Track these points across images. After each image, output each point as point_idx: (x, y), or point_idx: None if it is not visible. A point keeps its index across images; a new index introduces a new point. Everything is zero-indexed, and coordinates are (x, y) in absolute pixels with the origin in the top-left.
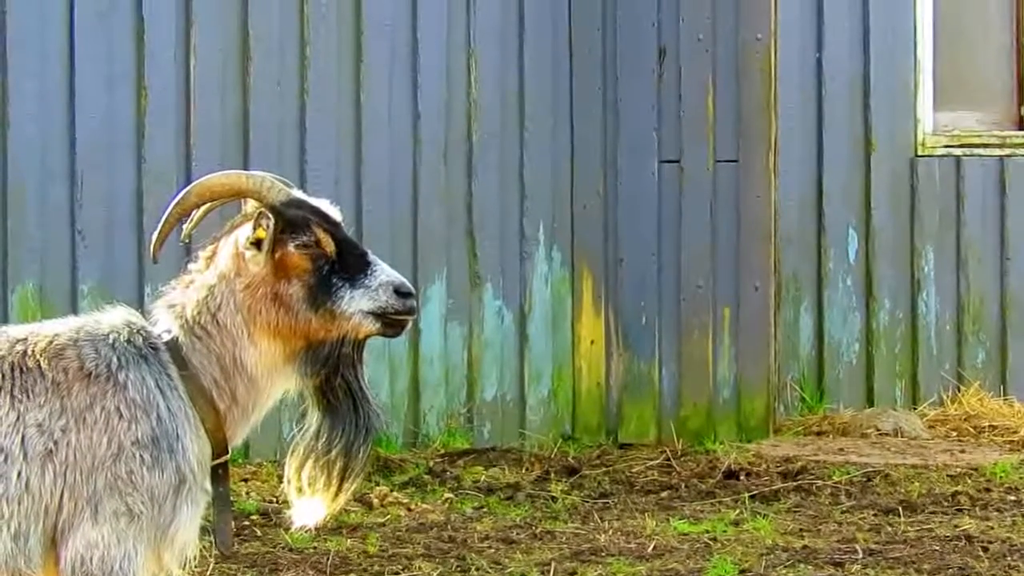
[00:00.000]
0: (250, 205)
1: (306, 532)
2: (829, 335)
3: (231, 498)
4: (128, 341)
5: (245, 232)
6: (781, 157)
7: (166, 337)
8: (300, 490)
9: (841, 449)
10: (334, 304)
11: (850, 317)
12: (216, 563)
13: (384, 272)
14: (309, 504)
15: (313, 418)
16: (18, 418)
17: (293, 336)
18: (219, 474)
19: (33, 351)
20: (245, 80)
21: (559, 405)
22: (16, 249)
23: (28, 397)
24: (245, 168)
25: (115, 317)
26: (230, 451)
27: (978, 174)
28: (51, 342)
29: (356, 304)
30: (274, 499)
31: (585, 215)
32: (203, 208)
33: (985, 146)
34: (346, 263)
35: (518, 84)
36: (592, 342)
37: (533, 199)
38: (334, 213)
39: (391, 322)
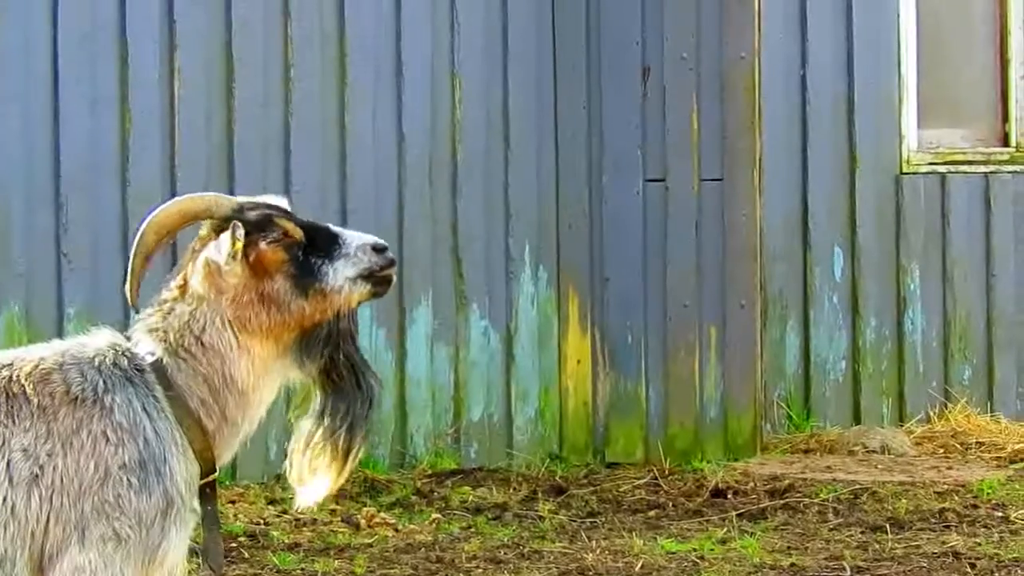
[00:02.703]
0: (204, 227)
1: (294, 553)
2: (815, 353)
3: (219, 518)
4: (114, 363)
5: (212, 252)
6: (766, 175)
7: (150, 359)
8: (304, 472)
9: (828, 467)
10: (321, 282)
11: (836, 335)
12: None
13: (355, 237)
14: (313, 483)
15: (317, 400)
16: (3, 443)
17: (287, 330)
18: (207, 493)
19: (18, 376)
20: (229, 102)
21: (546, 425)
22: (1, 273)
23: (14, 422)
24: (231, 190)
25: (100, 340)
26: (218, 470)
27: (963, 191)
28: (36, 367)
29: (342, 274)
30: (261, 521)
31: (570, 234)
32: (163, 243)
33: (970, 163)
34: (316, 242)
35: (502, 104)
36: (578, 361)
37: (518, 219)
38: (284, 203)
39: (378, 280)
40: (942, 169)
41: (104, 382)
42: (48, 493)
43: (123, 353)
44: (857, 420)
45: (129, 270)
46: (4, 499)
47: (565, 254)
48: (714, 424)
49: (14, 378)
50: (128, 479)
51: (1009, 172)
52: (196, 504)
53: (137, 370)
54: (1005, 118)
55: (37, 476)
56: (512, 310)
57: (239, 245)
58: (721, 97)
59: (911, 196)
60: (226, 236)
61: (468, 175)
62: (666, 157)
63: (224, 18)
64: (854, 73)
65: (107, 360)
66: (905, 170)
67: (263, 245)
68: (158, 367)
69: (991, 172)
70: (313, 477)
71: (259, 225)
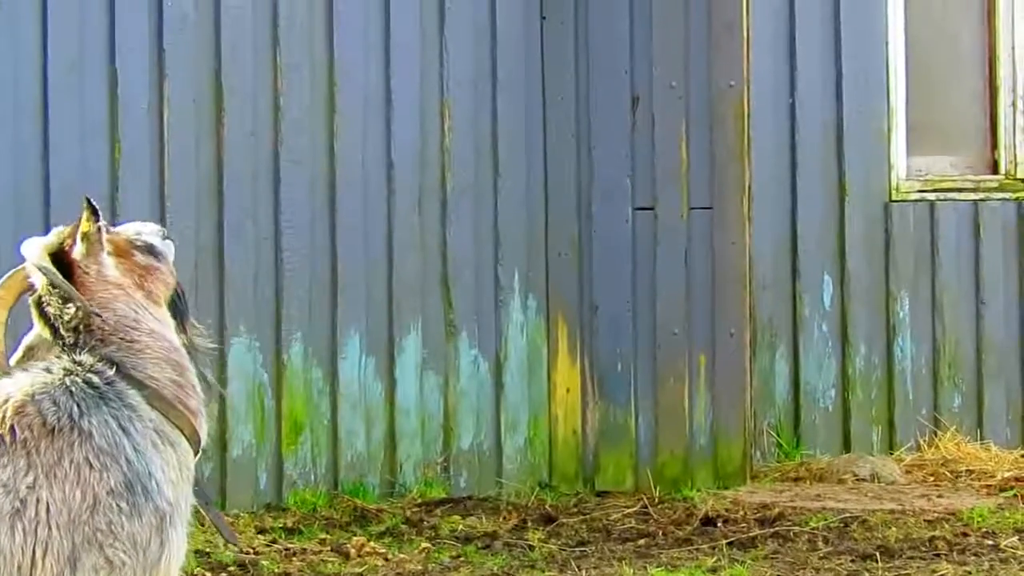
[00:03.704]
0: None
1: None
2: (805, 381)
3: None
4: (86, 383)
5: (96, 258)
6: (755, 203)
7: (112, 370)
8: None
9: (818, 495)
10: (153, 240)
11: (826, 363)
12: None
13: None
14: None
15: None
16: None
17: (168, 293)
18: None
19: None
20: (219, 131)
21: (536, 453)
22: None
23: None
24: (221, 219)
25: (65, 362)
26: (202, 447)
27: (952, 219)
28: (10, 398)
29: (151, 232)
30: (251, 550)
31: (560, 263)
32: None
33: (959, 190)
34: None
35: (491, 133)
36: (568, 390)
37: (508, 247)
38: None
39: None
40: (931, 197)
41: (78, 406)
42: (32, 526)
43: (90, 370)
44: (847, 448)
45: None
46: None
47: (554, 282)
48: (704, 452)
49: None
50: (118, 504)
51: (998, 199)
52: (192, 494)
53: (108, 383)
54: (994, 145)
55: (19, 510)
56: (502, 339)
57: (89, 226)
58: (710, 125)
59: (900, 224)
60: (81, 239)
61: (457, 204)
62: (655, 185)
63: (213, 47)
64: (843, 101)
65: (78, 381)
66: (894, 198)
67: (107, 235)
68: (125, 373)
69: (980, 199)
70: None
71: (84, 233)
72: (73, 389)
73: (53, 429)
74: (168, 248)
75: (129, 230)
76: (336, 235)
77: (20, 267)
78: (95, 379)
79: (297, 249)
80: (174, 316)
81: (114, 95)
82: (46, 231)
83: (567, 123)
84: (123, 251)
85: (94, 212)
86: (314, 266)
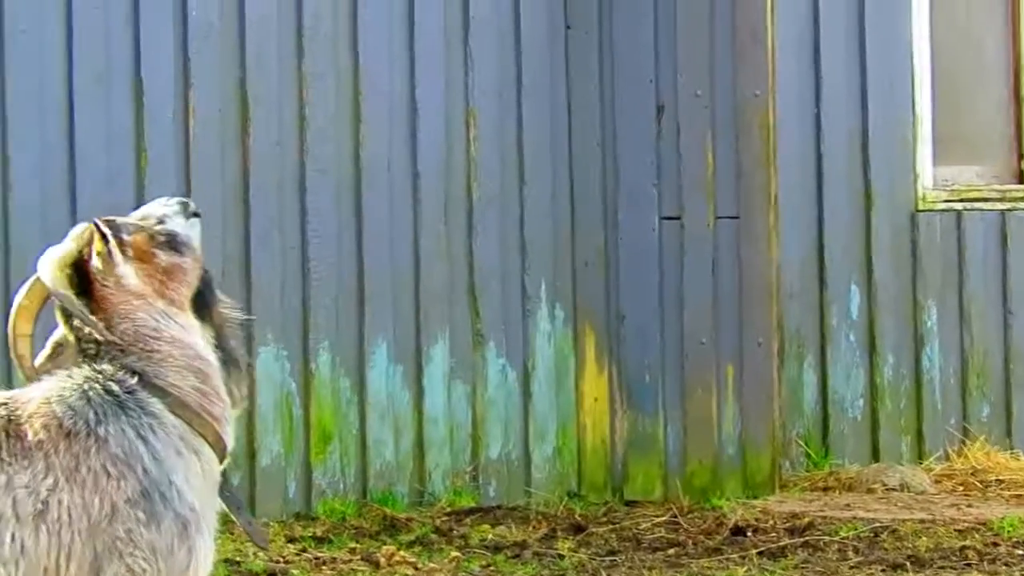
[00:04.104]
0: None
1: None
2: (833, 391)
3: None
4: (104, 390)
5: (114, 274)
6: (782, 213)
7: (134, 379)
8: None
9: (848, 505)
10: (179, 235)
11: (854, 373)
12: None
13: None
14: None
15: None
16: (7, 481)
17: (190, 293)
18: (222, 479)
19: (16, 415)
20: (244, 140)
21: (564, 463)
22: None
23: (16, 460)
24: (247, 227)
25: (86, 370)
26: (228, 454)
27: (979, 228)
28: (30, 403)
29: (177, 222)
30: (281, 559)
31: (586, 272)
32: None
33: (985, 200)
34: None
35: (517, 142)
36: (596, 399)
37: (534, 257)
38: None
39: (194, 212)
40: (958, 206)
41: (95, 412)
42: (56, 528)
43: (110, 378)
44: (876, 458)
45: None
46: (12, 536)
47: (581, 292)
48: (732, 462)
49: (11, 418)
50: (136, 513)
51: None
52: (218, 500)
53: (128, 392)
54: (1020, 154)
55: (41, 512)
56: (529, 348)
57: (100, 246)
58: (736, 134)
59: (927, 233)
60: (96, 256)
61: (483, 213)
62: (681, 195)
63: (239, 56)
64: (868, 110)
65: (96, 388)
66: (921, 207)
67: (126, 237)
68: (147, 381)
69: (1007, 209)
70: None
71: (104, 235)
72: (91, 396)
73: (69, 433)
74: (192, 228)
75: (152, 212)
76: (363, 244)
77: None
78: (115, 387)
79: (324, 258)
80: (202, 306)
81: (139, 104)
82: None
83: (592, 132)
84: (144, 254)
85: (103, 235)
86: (341, 275)
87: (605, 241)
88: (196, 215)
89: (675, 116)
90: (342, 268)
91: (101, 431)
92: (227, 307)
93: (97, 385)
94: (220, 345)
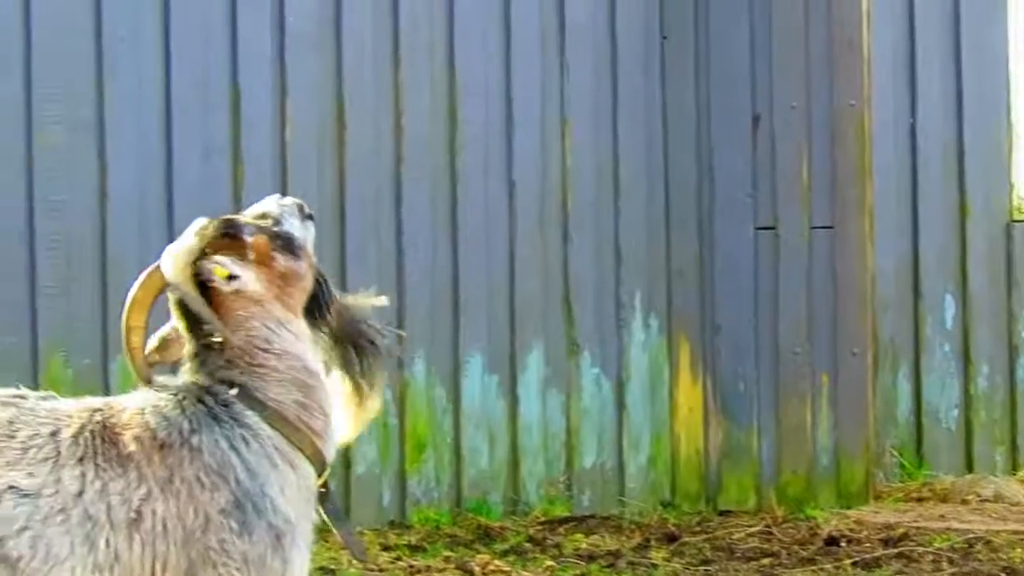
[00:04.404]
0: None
1: None
2: (927, 401)
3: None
4: (198, 400)
5: (234, 281)
6: (877, 222)
7: (234, 391)
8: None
9: (942, 515)
10: (296, 239)
11: (948, 383)
12: None
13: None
14: (346, 419)
15: (335, 356)
16: (102, 487)
17: (303, 299)
18: (322, 492)
19: (112, 422)
20: (340, 149)
21: (658, 472)
22: (116, 324)
23: (111, 467)
24: (343, 236)
25: (182, 382)
26: (328, 467)
27: None
28: (125, 412)
29: (294, 224)
30: (376, 567)
31: (681, 282)
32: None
33: None
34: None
35: (612, 151)
36: (690, 409)
37: (629, 266)
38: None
39: (308, 214)
40: None
41: (189, 422)
42: (150, 538)
43: (205, 389)
44: (970, 468)
45: (126, 351)
46: (107, 542)
47: (676, 301)
48: (827, 472)
49: (108, 424)
50: (229, 524)
51: None
52: (315, 512)
53: (223, 405)
54: None
55: (134, 520)
56: (624, 357)
57: (222, 272)
58: (832, 145)
59: (1022, 244)
60: (216, 272)
61: (579, 222)
62: (777, 205)
63: (335, 65)
64: (963, 120)
65: (190, 399)
66: (1016, 217)
67: (248, 239)
68: (245, 394)
69: None
70: (346, 416)
71: (228, 234)
72: (185, 406)
73: (163, 444)
74: (307, 231)
75: (269, 210)
76: (458, 252)
77: (157, 265)
78: (209, 399)
79: (419, 267)
80: (315, 310)
81: (236, 113)
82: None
83: (688, 141)
84: (264, 257)
85: (220, 263)
86: (436, 283)
87: (700, 251)
88: (310, 217)
89: (771, 126)
90: (437, 277)
91: (195, 441)
92: (362, 298)
93: (192, 396)
94: (345, 342)
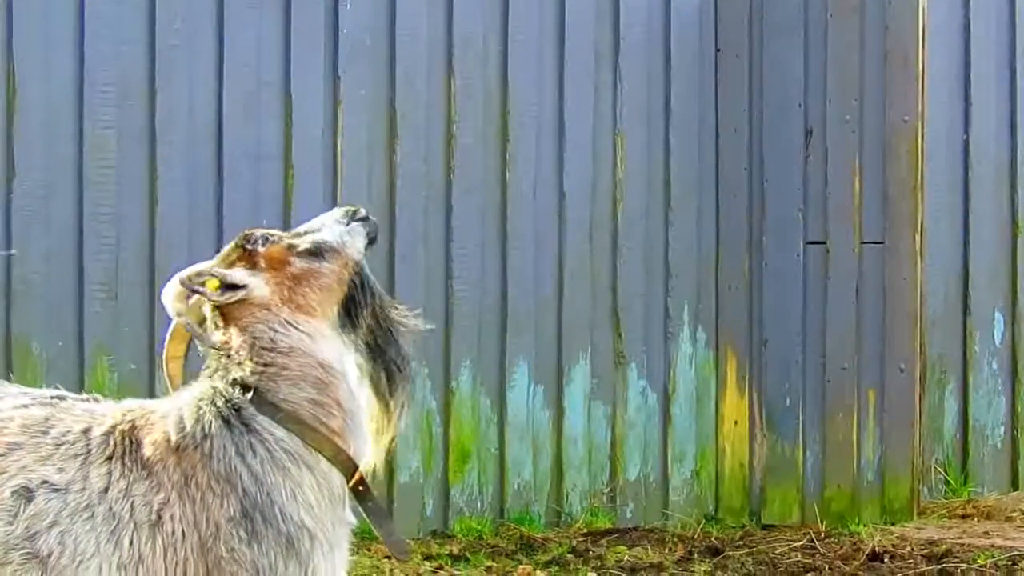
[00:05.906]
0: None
1: None
2: (974, 418)
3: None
4: (212, 404)
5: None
6: (927, 239)
7: (247, 394)
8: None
9: (986, 532)
10: (328, 241)
11: (995, 400)
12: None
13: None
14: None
15: (367, 369)
16: (127, 487)
17: (331, 300)
18: (359, 491)
19: (140, 423)
20: (391, 159)
21: (702, 485)
22: (162, 329)
23: (135, 468)
24: (392, 244)
25: (200, 387)
26: (361, 465)
27: None
28: (151, 415)
29: (335, 229)
30: None
31: (730, 296)
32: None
33: None
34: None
35: (663, 164)
36: (736, 423)
37: (678, 279)
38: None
39: (362, 217)
40: None
41: (203, 429)
42: (171, 542)
43: (220, 393)
44: (1015, 486)
45: (165, 378)
46: (131, 541)
47: (724, 315)
48: (871, 487)
49: (136, 425)
50: (238, 533)
51: None
52: (348, 514)
53: (235, 410)
54: None
55: (156, 523)
56: (670, 370)
57: (214, 284)
58: (883, 160)
59: None
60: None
61: (628, 235)
62: (827, 219)
63: (388, 74)
64: (1017, 138)
65: (204, 405)
66: None
67: (260, 249)
68: (257, 397)
69: None
70: (375, 433)
71: (241, 246)
72: (200, 413)
73: (178, 448)
74: (350, 234)
75: (315, 222)
76: (507, 263)
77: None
78: (222, 404)
79: (467, 277)
80: (351, 309)
81: (288, 121)
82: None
83: (739, 156)
84: (277, 263)
85: (196, 291)
86: (484, 294)
87: (749, 265)
88: (364, 219)
89: (823, 141)
90: (485, 287)
91: (206, 447)
92: (399, 313)
93: (207, 401)
94: (376, 350)
